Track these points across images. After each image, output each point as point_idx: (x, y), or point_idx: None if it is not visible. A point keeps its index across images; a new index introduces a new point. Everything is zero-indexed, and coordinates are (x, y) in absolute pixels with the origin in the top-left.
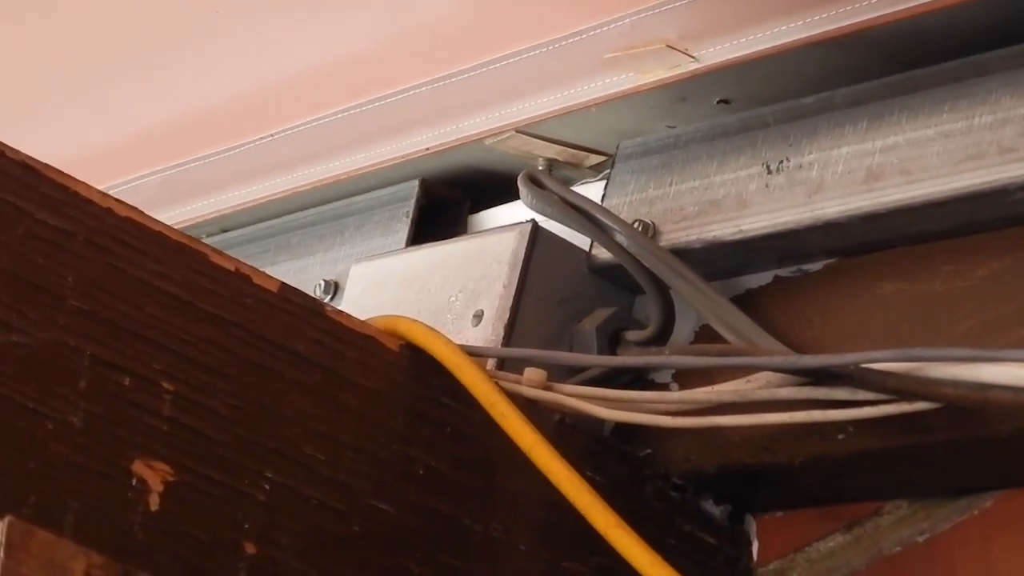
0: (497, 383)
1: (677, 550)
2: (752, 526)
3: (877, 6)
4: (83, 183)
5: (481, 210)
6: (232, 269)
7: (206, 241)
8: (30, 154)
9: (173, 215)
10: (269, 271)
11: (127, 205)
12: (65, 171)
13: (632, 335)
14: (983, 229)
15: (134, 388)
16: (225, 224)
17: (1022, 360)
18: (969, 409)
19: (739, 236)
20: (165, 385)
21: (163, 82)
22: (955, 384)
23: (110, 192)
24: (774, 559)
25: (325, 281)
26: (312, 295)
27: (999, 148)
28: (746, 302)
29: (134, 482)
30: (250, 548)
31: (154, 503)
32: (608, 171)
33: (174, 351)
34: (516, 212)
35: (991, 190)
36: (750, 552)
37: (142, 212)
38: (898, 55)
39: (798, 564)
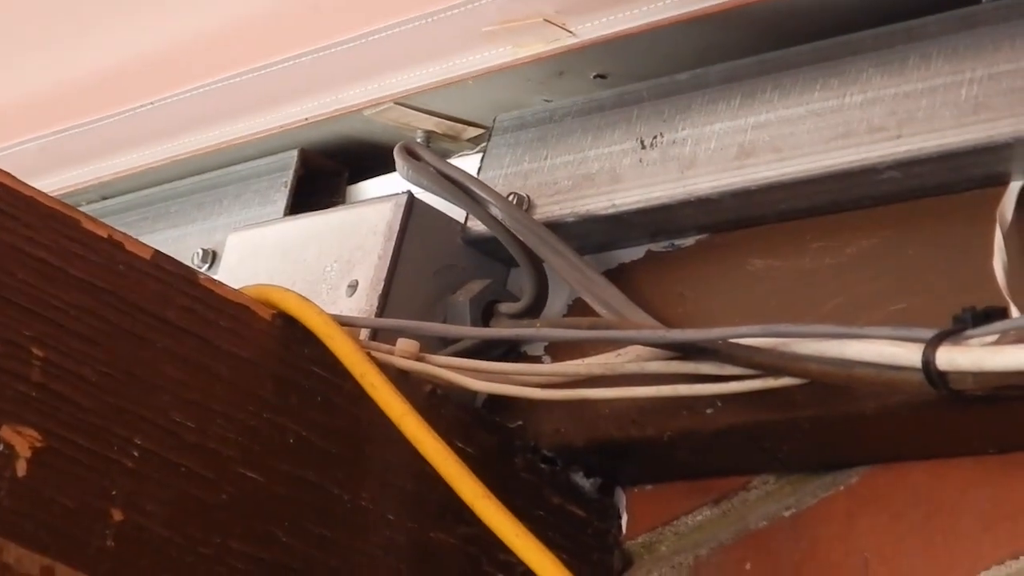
0: (368, 353)
1: (546, 522)
2: (621, 499)
3: None
4: None
5: (360, 181)
6: (105, 236)
7: (85, 208)
8: None
9: (52, 182)
10: (148, 239)
11: None
12: None
13: (505, 307)
14: (852, 207)
15: (3, 354)
16: (105, 191)
17: (885, 337)
18: (834, 385)
19: (612, 211)
20: (35, 351)
21: (42, 49)
22: (820, 360)
23: None
24: (643, 532)
25: (203, 250)
26: (189, 263)
27: (869, 127)
28: (619, 276)
29: (1, 448)
30: (117, 515)
31: (21, 469)
32: (485, 144)
33: (45, 317)
34: (394, 183)
35: (860, 168)
36: (619, 525)
37: (13, 177)
38: (772, 33)
39: (666, 537)
